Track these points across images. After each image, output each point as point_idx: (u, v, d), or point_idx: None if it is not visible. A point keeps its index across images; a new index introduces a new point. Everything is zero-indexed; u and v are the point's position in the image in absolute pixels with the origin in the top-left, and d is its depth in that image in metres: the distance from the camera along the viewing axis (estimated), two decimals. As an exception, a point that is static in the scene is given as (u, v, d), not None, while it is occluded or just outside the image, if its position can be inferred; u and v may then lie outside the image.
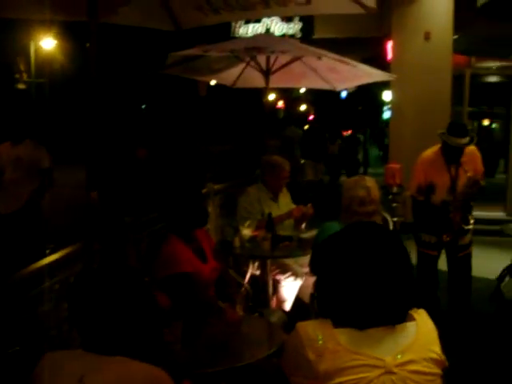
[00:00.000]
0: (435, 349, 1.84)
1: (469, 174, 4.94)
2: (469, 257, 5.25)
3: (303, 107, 30.82)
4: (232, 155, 10.41)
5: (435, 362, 1.81)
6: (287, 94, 27.57)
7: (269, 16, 10.56)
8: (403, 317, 1.84)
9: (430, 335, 1.87)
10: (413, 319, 1.86)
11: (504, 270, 5.36)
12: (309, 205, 5.10)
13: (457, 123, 5.30)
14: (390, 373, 1.73)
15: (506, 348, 4.82)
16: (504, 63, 12.39)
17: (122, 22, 4.60)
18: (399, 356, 1.76)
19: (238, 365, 2.67)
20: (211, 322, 3.02)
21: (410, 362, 1.76)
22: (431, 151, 5.19)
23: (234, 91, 8.04)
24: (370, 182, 3.71)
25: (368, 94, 22.17)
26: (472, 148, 5.16)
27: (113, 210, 4.89)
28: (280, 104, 27.25)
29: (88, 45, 3.75)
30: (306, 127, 16.47)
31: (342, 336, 1.77)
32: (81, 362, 1.80)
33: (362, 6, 4.12)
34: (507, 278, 5.10)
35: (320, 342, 1.76)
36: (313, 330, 1.80)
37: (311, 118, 28.94)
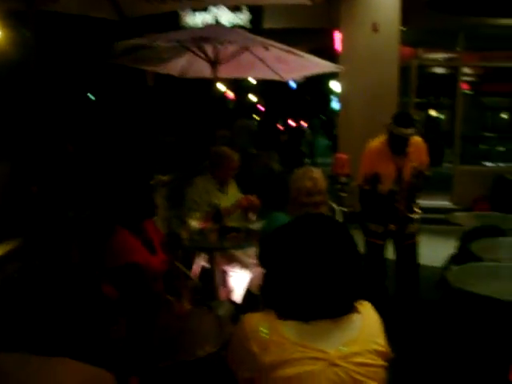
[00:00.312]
0: (380, 341, 1.85)
1: (413, 164, 5.00)
2: (415, 246, 5.32)
3: (253, 98, 30.79)
4: (181, 146, 10.29)
5: (379, 353, 1.82)
6: (237, 84, 27.46)
7: (215, 5, 10.47)
8: (348, 309, 1.84)
9: (375, 327, 1.88)
10: (358, 311, 1.86)
11: (449, 258, 5.46)
12: (254, 195, 5.09)
13: (402, 113, 5.37)
14: (334, 365, 1.73)
15: (451, 335, 4.91)
16: (450, 55, 12.62)
17: (62, 9, 4.48)
18: (343, 348, 1.76)
19: (186, 360, 2.64)
20: (158, 316, 2.98)
21: (354, 354, 1.77)
22: (378, 141, 5.22)
23: (183, 81, 7.96)
24: (316, 173, 3.73)
25: (316, 84, 22.26)
26: (418, 139, 5.24)
27: (54, 204, 4.77)
28: (230, 94, 27.10)
29: (28, 34, 3.64)
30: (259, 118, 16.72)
31: (287, 328, 1.76)
32: (19, 363, 1.73)
33: (309, -4, 4.10)
34: (452, 266, 5.18)
35: (264, 335, 1.75)
36: (257, 323, 1.79)
37: (262, 108, 28.97)
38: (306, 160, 17.56)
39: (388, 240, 5.30)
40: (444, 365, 4.48)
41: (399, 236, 5.21)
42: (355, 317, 1.84)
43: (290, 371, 1.71)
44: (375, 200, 5.15)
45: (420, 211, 5.19)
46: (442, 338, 4.91)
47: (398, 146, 5.05)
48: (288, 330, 1.75)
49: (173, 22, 11.00)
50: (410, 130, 4.96)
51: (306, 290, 1.77)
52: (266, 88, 29.74)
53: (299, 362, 1.72)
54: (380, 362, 1.82)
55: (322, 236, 1.81)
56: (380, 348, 1.83)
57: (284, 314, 1.79)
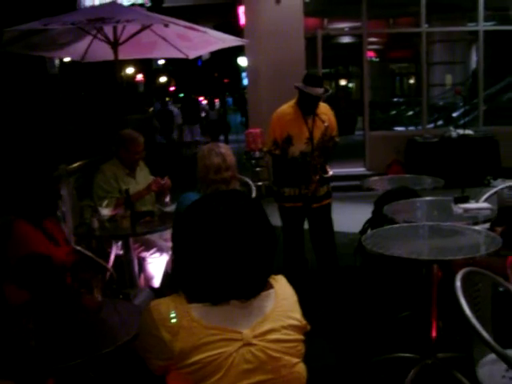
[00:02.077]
0: (295, 315, 1.81)
1: (326, 124, 5.00)
2: (329, 208, 5.34)
3: (164, 79, 30.40)
4: (90, 133, 10.01)
5: (295, 328, 1.79)
6: (146, 66, 27.00)
7: None
8: (260, 288, 1.78)
9: (289, 302, 1.84)
10: (271, 287, 1.82)
11: (366, 223, 5.51)
12: (166, 177, 4.97)
13: (312, 74, 5.37)
14: (249, 344, 1.69)
15: (371, 301, 5.00)
16: (354, 23, 12.77)
17: None
18: (257, 327, 1.72)
19: (99, 353, 2.53)
20: (68, 311, 2.85)
21: (269, 331, 1.73)
22: (287, 105, 5.20)
23: (90, 65, 7.69)
24: (223, 148, 3.66)
25: (226, 61, 22.21)
26: (325, 105, 5.27)
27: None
28: (139, 77, 26.63)
29: None
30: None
31: (197, 312, 1.70)
32: None
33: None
34: (369, 231, 5.24)
35: (174, 320, 1.68)
36: (166, 308, 1.71)
37: (172, 88, 28.63)
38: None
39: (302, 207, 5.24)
40: (365, 331, 4.54)
41: (312, 199, 5.16)
42: (268, 293, 1.80)
43: (203, 355, 1.65)
44: (287, 163, 5.11)
45: (331, 172, 5.16)
46: (362, 303, 4.99)
47: (308, 105, 5.03)
48: (198, 314, 1.69)
49: (70, 4, 10.65)
50: (320, 90, 4.96)
51: (215, 270, 1.70)
52: (176, 68, 29.44)
53: (212, 345, 1.66)
54: (296, 336, 1.79)
55: (230, 213, 1.72)
56: (295, 322, 1.80)
57: (193, 297, 1.73)
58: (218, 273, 1.70)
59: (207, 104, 19.82)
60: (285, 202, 5.23)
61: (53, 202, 3.39)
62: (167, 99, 19.35)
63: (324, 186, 5.21)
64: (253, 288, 1.76)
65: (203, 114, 18.88)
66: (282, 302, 1.80)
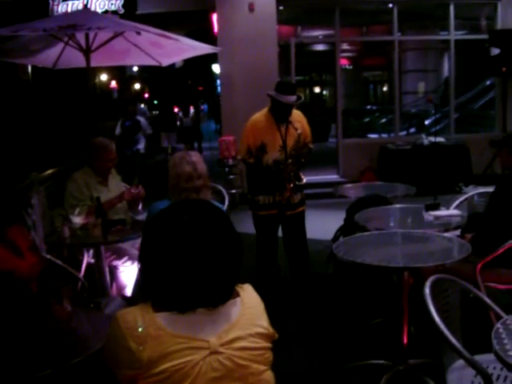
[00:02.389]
0: (262, 323, 1.81)
1: (299, 132, 5.02)
2: (302, 215, 5.36)
3: (138, 86, 30.27)
4: (62, 140, 9.93)
5: (262, 336, 1.79)
6: (120, 73, 26.87)
7: None
8: (227, 296, 1.78)
9: (256, 309, 1.84)
10: (237, 295, 1.82)
11: (338, 231, 5.54)
12: (139, 186, 4.94)
13: (285, 82, 5.39)
14: (216, 353, 1.68)
15: (343, 308, 5.01)
16: (327, 31, 12.87)
17: None
18: (223, 335, 1.71)
19: (69, 363, 2.50)
20: (36, 322, 2.81)
21: (236, 339, 1.73)
22: (260, 114, 5.23)
23: (63, 72, 7.62)
24: (195, 156, 3.65)
25: (200, 68, 22.24)
26: (298, 112, 5.30)
27: None
28: (113, 84, 26.48)
29: None
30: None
31: (164, 320, 1.69)
32: None
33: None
34: (341, 238, 5.27)
35: (141, 329, 1.67)
36: (133, 318, 1.70)
37: (146, 95, 28.51)
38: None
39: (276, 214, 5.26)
40: (338, 338, 4.56)
41: (286, 206, 5.18)
42: (234, 301, 1.80)
43: (170, 364, 1.64)
44: (261, 171, 5.13)
45: (305, 180, 5.16)
46: (335, 310, 5.01)
47: (281, 113, 5.06)
48: (165, 322, 1.69)
49: (42, 11, 10.56)
50: (292, 98, 4.99)
51: (180, 278, 1.70)
52: (150, 75, 29.34)
53: (179, 353, 1.66)
54: (263, 344, 1.79)
55: (194, 222, 1.72)
56: (262, 330, 1.80)
57: (160, 306, 1.72)
58: (183, 281, 1.70)
59: (180, 111, 19.88)
60: (259, 209, 5.24)
61: (14, 210, 3.34)
62: (142, 105, 19.37)
63: (298, 193, 5.24)
64: (218, 296, 1.75)
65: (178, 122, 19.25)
66: (248, 310, 1.80)
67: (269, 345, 1.82)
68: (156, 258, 1.73)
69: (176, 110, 21.24)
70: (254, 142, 5.09)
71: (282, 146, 5.08)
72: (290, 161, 5.05)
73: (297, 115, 5.23)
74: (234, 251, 1.78)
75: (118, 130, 11.06)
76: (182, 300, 1.71)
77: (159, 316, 1.70)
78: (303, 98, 5.33)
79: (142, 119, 11.28)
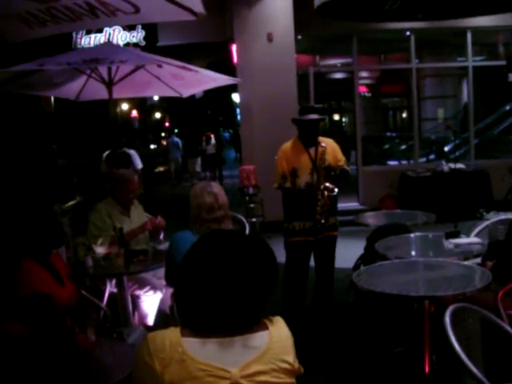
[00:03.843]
0: (288, 358, 1.82)
1: (323, 144, 5.13)
2: (334, 240, 5.36)
3: (158, 115, 30.61)
4: (85, 170, 10.05)
5: (287, 371, 1.80)
6: (141, 102, 27.23)
7: (97, 27, 10.35)
8: (252, 325, 1.81)
9: (284, 344, 1.84)
10: (265, 328, 1.84)
11: (358, 259, 5.54)
12: (159, 216, 5.00)
13: (306, 105, 5.52)
14: None
15: (364, 337, 4.99)
16: (345, 60, 12.96)
17: None
18: (246, 367, 1.73)
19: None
20: (63, 351, 2.86)
21: (258, 373, 1.74)
22: (289, 141, 5.38)
23: (85, 104, 7.78)
24: (216, 187, 3.70)
25: (220, 97, 22.51)
26: (328, 140, 5.39)
27: None
28: (134, 113, 26.83)
29: None
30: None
31: (190, 346, 1.73)
32: None
33: (191, 12, 4.11)
34: (362, 267, 5.27)
35: (167, 353, 1.71)
36: (161, 340, 1.74)
37: (167, 124, 28.80)
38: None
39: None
40: (359, 368, 4.54)
41: (320, 230, 5.18)
42: (261, 334, 1.81)
43: None
44: (295, 196, 5.18)
45: (334, 186, 5.11)
46: (356, 339, 4.99)
47: (307, 134, 5.21)
48: (191, 348, 1.72)
49: (66, 44, 10.79)
50: (314, 116, 5.15)
51: (208, 303, 1.76)
52: (171, 104, 29.66)
53: (199, 380, 1.69)
54: (287, 379, 1.80)
55: (225, 252, 1.79)
56: (288, 366, 1.80)
57: (189, 328, 1.77)
58: (210, 306, 1.75)
59: (204, 140, 20.39)
60: (294, 236, 5.26)
61: (57, 235, 3.40)
62: (163, 134, 19.75)
63: (332, 217, 5.24)
64: (244, 324, 1.79)
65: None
66: (275, 343, 1.81)
67: (292, 380, 1.82)
68: (188, 286, 1.80)
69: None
70: (287, 167, 5.18)
71: (312, 168, 5.15)
72: (322, 182, 5.07)
73: (326, 141, 5.33)
74: (264, 279, 1.82)
75: (104, 167, 8.88)
76: (208, 326, 1.76)
77: (186, 341, 1.73)
78: (324, 117, 5.42)
79: (132, 152, 9.46)
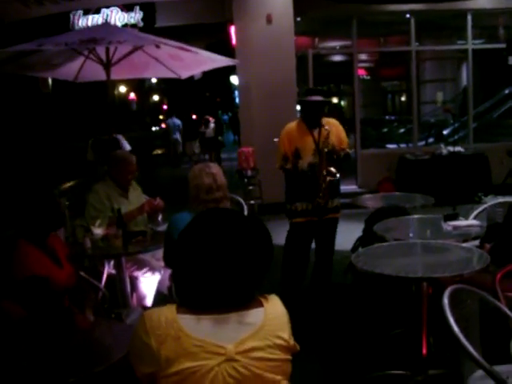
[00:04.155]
0: (283, 335, 1.84)
1: (327, 128, 5.07)
2: (336, 222, 5.38)
3: (156, 97, 30.50)
4: (83, 153, 10.00)
5: (282, 348, 1.82)
6: (139, 84, 27.12)
7: (95, 5, 10.27)
8: (247, 301, 1.83)
9: (279, 321, 1.87)
10: (261, 305, 1.86)
11: (356, 241, 5.56)
12: (158, 198, 5.00)
13: (312, 88, 5.50)
14: (232, 360, 1.73)
15: (362, 319, 5.01)
16: (345, 42, 12.89)
17: None
18: (242, 343, 1.75)
19: (91, 372, 2.54)
20: (61, 331, 2.86)
21: (253, 349, 1.76)
22: (293, 122, 5.38)
23: (83, 85, 7.73)
24: (214, 168, 3.70)
25: (219, 79, 22.44)
26: (333, 120, 5.37)
27: None
28: (132, 96, 26.72)
29: None
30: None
31: (185, 322, 1.75)
32: None
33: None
34: (360, 249, 5.28)
35: (163, 329, 1.74)
36: (157, 317, 1.77)
37: (165, 107, 28.70)
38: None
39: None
40: (357, 349, 4.56)
41: (323, 211, 5.19)
42: (257, 311, 1.84)
43: (185, 366, 1.70)
44: (297, 177, 5.17)
45: (336, 171, 5.11)
46: (354, 321, 5.01)
47: (311, 115, 5.19)
48: (186, 325, 1.75)
49: (63, 25, 10.70)
50: (318, 97, 5.13)
51: (204, 281, 1.78)
52: (169, 86, 29.55)
53: (195, 356, 1.71)
54: (282, 356, 1.82)
55: (220, 228, 1.81)
56: (283, 343, 1.82)
57: (185, 306, 1.80)
58: (211, 280, 1.78)
59: (203, 123, 20.45)
60: (297, 217, 5.26)
61: (56, 217, 3.39)
62: (161, 117, 19.80)
63: (335, 199, 5.26)
64: (239, 300, 1.81)
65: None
66: (270, 320, 1.83)
67: (288, 357, 1.85)
68: (184, 264, 1.82)
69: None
70: (289, 147, 5.18)
71: (315, 149, 5.14)
72: (324, 163, 5.07)
73: (332, 122, 5.31)
74: (259, 257, 1.84)
75: (90, 155, 8.68)
76: (202, 302, 1.79)
77: (181, 318, 1.76)
78: (328, 99, 5.42)
79: (120, 137, 8.83)
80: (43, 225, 3.29)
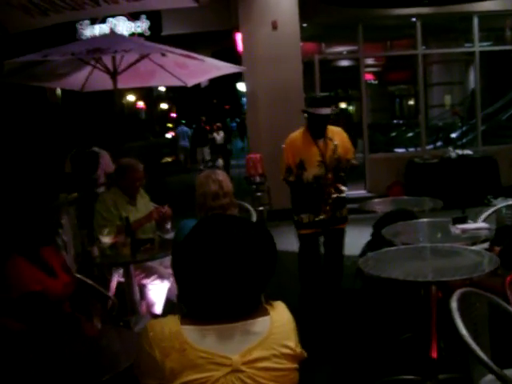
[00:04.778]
0: (289, 343, 1.80)
1: (335, 142, 5.04)
2: (343, 232, 5.39)
3: (165, 105, 30.58)
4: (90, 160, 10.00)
5: (288, 357, 1.79)
6: (147, 93, 27.20)
7: (100, 16, 10.34)
8: (252, 311, 1.80)
9: (285, 329, 1.83)
10: (266, 314, 1.82)
11: (365, 246, 5.53)
12: (166, 206, 5.00)
13: (317, 96, 5.45)
14: (238, 371, 1.70)
15: (372, 324, 4.99)
16: (351, 47, 12.89)
17: None
18: (247, 354, 1.73)
19: (99, 381, 2.54)
20: (67, 340, 2.86)
21: (259, 359, 1.73)
22: (297, 132, 5.32)
23: (93, 94, 7.76)
24: (221, 175, 3.70)
25: (227, 87, 22.52)
26: (338, 129, 5.35)
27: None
28: (141, 104, 26.81)
29: None
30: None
31: (189, 333, 1.72)
32: None
33: (194, -1, 4.09)
34: (368, 253, 5.26)
35: (167, 342, 1.71)
36: (161, 329, 1.74)
37: (174, 115, 28.76)
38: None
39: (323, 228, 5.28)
40: (367, 354, 4.53)
41: (330, 222, 5.18)
42: (262, 319, 1.80)
43: (191, 378, 1.68)
44: (303, 189, 5.14)
45: (346, 188, 5.15)
46: (363, 326, 4.98)
47: (317, 127, 5.13)
48: (190, 336, 1.72)
49: (70, 36, 10.78)
50: (327, 110, 5.07)
51: (207, 290, 1.74)
52: (177, 95, 29.64)
53: (201, 368, 1.69)
54: (288, 365, 1.79)
55: (222, 235, 1.77)
56: (289, 351, 1.79)
57: (189, 316, 1.77)
58: (207, 292, 1.74)
59: (215, 129, 20.79)
60: (303, 228, 5.27)
61: (48, 231, 3.40)
62: (169, 125, 19.93)
63: (342, 209, 5.26)
64: (243, 310, 1.78)
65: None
66: (276, 329, 1.80)
67: (294, 365, 1.81)
68: (187, 271, 1.78)
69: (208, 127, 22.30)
70: (293, 159, 5.13)
71: (320, 160, 5.09)
72: (329, 175, 5.04)
73: (336, 131, 5.27)
74: (263, 265, 1.80)
75: (68, 166, 7.81)
76: (207, 312, 1.76)
77: (186, 329, 1.73)
78: (335, 108, 5.39)
79: (102, 151, 8.05)
80: (34, 239, 3.29)
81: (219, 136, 20.32)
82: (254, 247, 1.78)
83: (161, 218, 4.94)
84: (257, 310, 1.82)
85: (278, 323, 1.81)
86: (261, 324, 1.79)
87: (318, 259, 5.40)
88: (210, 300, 1.75)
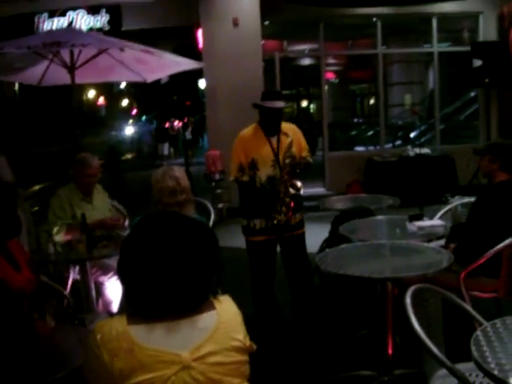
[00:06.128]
0: (238, 336, 1.81)
1: (290, 139, 4.58)
2: (302, 238, 4.92)
3: (125, 102, 30.30)
4: (51, 157, 9.89)
5: (238, 349, 1.79)
6: (108, 89, 26.92)
7: (58, 7, 10.17)
8: (197, 306, 1.79)
9: (233, 322, 1.83)
10: (213, 308, 1.82)
11: (323, 243, 5.57)
12: (119, 216, 4.93)
13: (270, 90, 5.27)
14: (188, 368, 1.69)
15: (329, 320, 5.01)
16: (312, 45, 12.96)
17: None
18: (197, 350, 1.72)
19: (52, 378, 2.50)
20: (21, 337, 2.81)
21: (209, 354, 1.72)
22: (248, 128, 4.83)
23: (51, 89, 7.63)
24: (178, 171, 3.68)
25: (187, 83, 22.40)
26: (292, 126, 4.93)
27: None
28: (101, 101, 26.50)
29: None
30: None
31: (137, 333, 1.70)
32: None
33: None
34: (326, 250, 5.28)
35: (114, 343, 1.68)
36: (108, 330, 1.71)
37: (134, 112, 28.51)
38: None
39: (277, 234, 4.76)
40: (323, 350, 4.55)
41: (285, 228, 4.68)
42: (209, 314, 1.80)
43: (141, 378, 1.65)
44: (255, 192, 4.69)
45: (301, 187, 4.62)
46: (320, 322, 4.99)
47: (270, 123, 4.66)
48: (138, 335, 1.70)
49: (28, 29, 10.58)
50: (280, 103, 4.64)
51: (148, 287, 1.72)
52: (139, 91, 29.37)
53: (150, 367, 1.67)
54: (239, 357, 1.79)
55: (164, 232, 1.76)
56: (239, 344, 1.79)
57: (135, 315, 1.75)
58: (150, 289, 1.72)
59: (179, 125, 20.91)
60: (256, 235, 4.73)
61: (15, 223, 3.32)
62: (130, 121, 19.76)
63: (296, 213, 4.74)
64: (188, 306, 1.77)
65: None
66: (224, 323, 1.80)
67: (245, 358, 1.82)
68: (132, 265, 1.76)
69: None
70: (246, 158, 4.67)
71: (274, 160, 4.65)
72: (285, 177, 4.59)
73: (290, 128, 4.82)
74: (206, 261, 1.80)
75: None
76: (152, 310, 1.74)
77: (132, 328, 1.71)
78: (286, 103, 4.91)
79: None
80: (4, 227, 3.21)
81: (187, 132, 20.15)
82: (195, 243, 1.78)
83: (111, 226, 4.86)
84: (203, 305, 1.81)
85: (225, 317, 1.81)
86: (208, 319, 1.78)
87: (272, 270, 4.83)
88: (153, 297, 1.73)
